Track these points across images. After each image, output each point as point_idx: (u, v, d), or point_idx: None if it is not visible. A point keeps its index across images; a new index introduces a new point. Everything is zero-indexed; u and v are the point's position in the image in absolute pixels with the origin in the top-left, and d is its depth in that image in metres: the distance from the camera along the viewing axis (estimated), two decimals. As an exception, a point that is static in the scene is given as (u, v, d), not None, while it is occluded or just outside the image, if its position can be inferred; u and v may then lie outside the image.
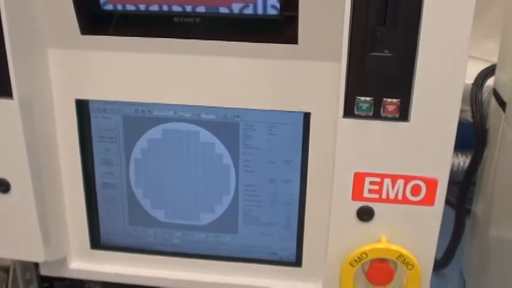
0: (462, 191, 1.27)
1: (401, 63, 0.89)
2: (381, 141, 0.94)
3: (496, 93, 1.16)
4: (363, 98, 0.92)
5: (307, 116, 1.06)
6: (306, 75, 1.03)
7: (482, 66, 1.26)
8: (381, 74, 0.90)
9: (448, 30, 0.87)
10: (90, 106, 1.12)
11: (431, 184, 0.96)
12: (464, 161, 1.41)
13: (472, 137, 1.20)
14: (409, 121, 0.93)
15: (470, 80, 1.25)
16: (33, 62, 1.05)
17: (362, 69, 0.90)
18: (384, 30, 0.88)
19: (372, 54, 0.89)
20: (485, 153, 1.21)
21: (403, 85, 0.91)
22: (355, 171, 0.97)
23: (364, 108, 0.92)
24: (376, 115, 0.93)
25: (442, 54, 0.88)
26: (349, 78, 0.91)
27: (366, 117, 0.93)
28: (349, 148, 0.96)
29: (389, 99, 0.92)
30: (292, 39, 1.00)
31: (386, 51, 0.89)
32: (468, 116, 1.20)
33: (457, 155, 1.43)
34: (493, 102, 1.18)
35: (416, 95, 0.91)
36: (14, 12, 0.98)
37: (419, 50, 0.88)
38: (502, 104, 1.11)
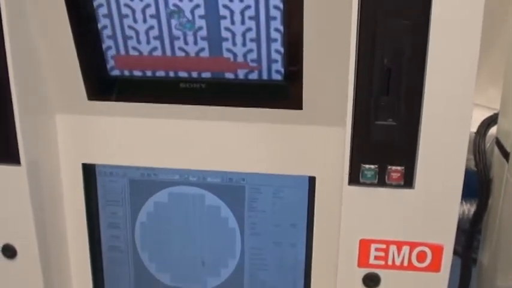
0: (468, 240, 1.26)
1: (406, 131, 0.90)
2: (386, 208, 0.94)
3: (498, 142, 1.16)
4: (367, 166, 0.92)
5: (312, 180, 1.06)
6: (310, 139, 1.04)
7: (484, 113, 1.26)
8: (385, 143, 0.91)
9: (451, 100, 0.87)
10: (97, 170, 1.13)
11: (437, 250, 0.96)
12: (469, 208, 1.40)
13: (476, 184, 1.20)
14: (413, 188, 0.93)
15: (473, 128, 1.24)
16: (40, 127, 1.06)
17: (367, 138, 0.91)
18: (388, 99, 0.88)
19: (376, 123, 0.90)
20: (490, 202, 1.20)
21: (407, 153, 0.91)
22: (360, 237, 0.97)
23: (369, 176, 0.92)
24: (381, 183, 0.93)
25: (445, 123, 0.89)
26: (353, 146, 0.91)
27: (371, 184, 0.93)
28: (355, 215, 0.96)
29: (393, 167, 0.92)
30: (297, 104, 1.01)
31: (391, 120, 0.89)
32: (472, 165, 1.19)
33: (461, 202, 1.43)
34: (496, 152, 1.18)
35: (421, 163, 0.91)
36: (23, 79, 0.99)
37: (422, 118, 0.89)
38: (505, 154, 1.11)
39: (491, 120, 1.20)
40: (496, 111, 1.19)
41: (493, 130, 1.20)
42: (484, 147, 1.17)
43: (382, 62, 0.86)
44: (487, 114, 1.21)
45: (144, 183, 1.11)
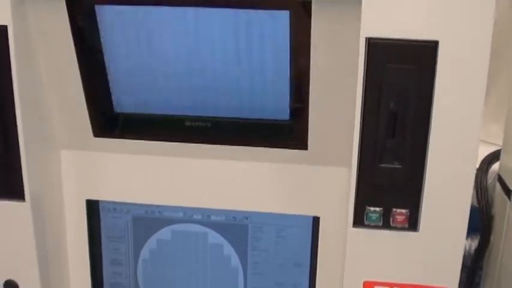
0: (469, 276, 1.26)
1: (411, 174, 0.90)
2: (390, 250, 0.94)
3: (500, 179, 1.16)
4: (372, 208, 0.92)
5: (316, 220, 1.07)
6: (315, 179, 1.04)
7: (486, 149, 1.26)
8: (390, 185, 0.91)
9: (456, 144, 0.88)
10: (101, 206, 1.13)
11: (441, 293, 0.95)
12: (470, 244, 1.40)
13: (478, 220, 1.20)
14: (418, 231, 0.93)
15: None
16: (45, 163, 1.07)
17: (372, 180, 0.91)
18: (393, 142, 0.88)
19: (381, 166, 0.90)
20: (492, 239, 1.20)
21: (412, 196, 0.91)
22: (364, 279, 0.97)
23: (373, 218, 0.92)
24: (386, 225, 0.93)
25: (451, 167, 0.89)
26: (358, 188, 0.91)
27: (375, 227, 0.93)
28: (359, 257, 0.95)
29: (398, 210, 0.92)
30: (302, 144, 1.01)
31: (396, 162, 0.89)
32: (474, 201, 1.19)
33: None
34: (498, 189, 1.18)
35: (425, 205, 0.91)
36: (29, 114, 1.00)
37: (428, 161, 0.89)
38: (507, 191, 1.11)
39: (493, 157, 1.20)
40: (496, 146, 1.19)
41: (495, 167, 1.19)
42: (486, 183, 1.17)
43: (388, 105, 0.86)
44: (488, 149, 1.21)
45: (148, 220, 1.11)
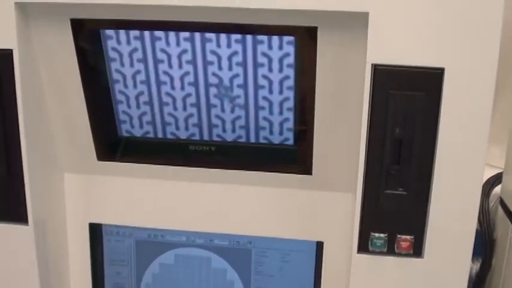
0: (471, 300, 1.25)
1: (416, 200, 0.90)
2: (394, 276, 0.94)
3: (502, 202, 1.16)
4: (377, 235, 0.92)
5: (320, 245, 1.06)
6: (319, 204, 1.04)
7: (487, 171, 1.25)
8: (395, 211, 0.91)
9: (461, 171, 0.88)
10: (104, 229, 1.13)
11: (446, 320, 0.95)
12: (471, 268, 1.39)
13: (480, 243, 1.19)
14: (422, 257, 0.93)
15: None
16: (49, 187, 1.07)
17: (376, 206, 0.91)
18: (399, 168, 0.88)
19: (386, 192, 0.89)
20: (494, 262, 1.19)
21: (417, 222, 0.91)
22: (369, 306, 0.96)
23: (378, 244, 0.92)
24: (390, 251, 0.93)
25: (456, 193, 0.89)
26: (363, 214, 0.91)
27: (380, 253, 0.93)
28: (363, 283, 0.95)
29: (403, 236, 0.92)
30: (307, 169, 1.01)
31: (401, 189, 0.89)
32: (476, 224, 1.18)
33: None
34: (500, 212, 1.17)
35: (430, 231, 0.91)
36: (33, 138, 1.00)
37: (433, 188, 0.89)
38: (509, 214, 1.10)
39: (495, 180, 1.20)
40: (498, 169, 1.18)
41: (497, 189, 1.19)
42: (488, 206, 1.17)
43: (393, 131, 0.86)
44: (489, 172, 1.21)
45: (151, 244, 1.11)
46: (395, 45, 0.82)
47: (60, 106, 1.02)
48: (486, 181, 1.20)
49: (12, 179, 1.00)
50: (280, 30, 0.90)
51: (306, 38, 0.89)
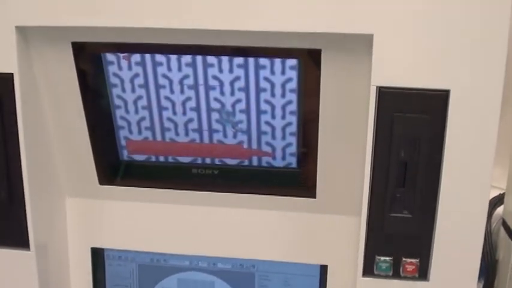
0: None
1: (421, 224, 0.89)
2: (400, 300, 0.93)
3: (505, 223, 1.15)
4: (382, 258, 0.91)
5: (324, 269, 1.06)
6: (323, 228, 1.03)
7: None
8: (400, 235, 0.90)
9: (467, 193, 0.87)
10: (106, 254, 1.12)
11: None
12: (473, 288, 1.38)
13: (482, 264, 1.18)
14: (428, 280, 0.92)
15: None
16: (51, 211, 1.06)
17: (381, 230, 0.90)
18: (404, 191, 0.88)
19: (391, 215, 0.89)
20: (496, 283, 1.18)
21: (422, 245, 0.91)
22: (374, 330, 0.95)
23: (383, 268, 0.91)
24: (396, 275, 0.92)
25: (461, 216, 0.88)
26: (368, 237, 0.91)
27: (386, 276, 0.92)
28: (369, 307, 0.94)
29: (408, 259, 0.91)
30: (311, 193, 1.01)
31: (406, 212, 0.89)
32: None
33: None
34: (502, 233, 1.17)
35: (436, 255, 0.91)
36: (35, 162, 0.99)
37: (438, 211, 0.88)
38: (512, 236, 1.10)
39: (497, 201, 1.20)
40: (499, 190, 1.18)
41: (499, 210, 1.19)
42: (490, 228, 1.16)
43: (398, 154, 0.85)
44: (491, 192, 1.20)
45: (153, 268, 1.10)
46: (400, 67, 0.82)
47: (62, 130, 1.02)
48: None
49: (14, 203, 0.99)
50: (284, 53, 0.90)
51: (309, 61, 0.89)
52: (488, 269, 1.15)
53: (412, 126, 0.84)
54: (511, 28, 0.79)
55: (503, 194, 1.16)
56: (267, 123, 0.97)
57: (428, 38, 0.81)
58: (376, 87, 0.83)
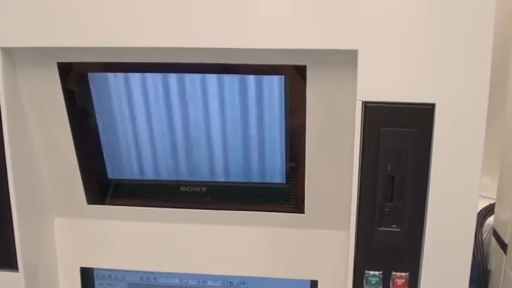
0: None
1: (410, 237, 0.89)
2: (390, 314, 0.93)
3: (496, 233, 1.15)
4: (372, 272, 0.91)
5: (314, 284, 1.05)
6: (312, 243, 1.03)
7: (479, 202, 1.25)
8: (389, 249, 0.90)
9: (455, 206, 0.87)
10: (95, 273, 1.11)
11: None
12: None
13: (474, 275, 1.18)
14: (418, 294, 0.92)
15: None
16: (39, 232, 1.05)
17: (370, 244, 0.90)
18: (392, 206, 0.88)
19: (380, 230, 0.89)
20: (488, 294, 1.19)
21: (411, 259, 0.90)
22: None
23: (373, 282, 0.91)
24: (386, 289, 0.92)
25: (450, 228, 0.88)
26: (357, 252, 0.91)
27: (376, 291, 0.92)
28: (359, 322, 0.94)
29: (398, 273, 0.91)
30: (299, 208, 1.01)
31: (395, 226, 0.89)
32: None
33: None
34: (494, 243, 1.17)
35: (425, 268, 0.91)
36: (22, 183, 0.99)
37: (426, 224, 0.88)
38: (503, 245, 1.10)
39: (488, 211, 1.20)
40: (489, 199, 1.18)
41: (489, 220, 1.19)
42: (481, 238, 1.16)
43: (385, 168, 0.86)
44: (481, 202, 1.20)
45: (143, 287, 1.10)
46: (385, 82, 0.82)
47: (49, 150, 1.02)
48: (479, 212, 1.19)
49: (2, 225, 0.98)
50: (269, 70, 0.90)
51: (295, 77, 0.89)
52: (481, 279, 1.15)
53: (398, 140, 0.84)
54: (495, 41, 0.80)
55: (493, 204, 1.16)
56: (254, 137, 0.96)
57: (413, 52, 0.81)
58: (362, 102, 0.83)
